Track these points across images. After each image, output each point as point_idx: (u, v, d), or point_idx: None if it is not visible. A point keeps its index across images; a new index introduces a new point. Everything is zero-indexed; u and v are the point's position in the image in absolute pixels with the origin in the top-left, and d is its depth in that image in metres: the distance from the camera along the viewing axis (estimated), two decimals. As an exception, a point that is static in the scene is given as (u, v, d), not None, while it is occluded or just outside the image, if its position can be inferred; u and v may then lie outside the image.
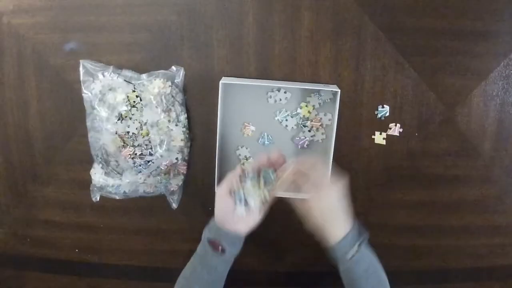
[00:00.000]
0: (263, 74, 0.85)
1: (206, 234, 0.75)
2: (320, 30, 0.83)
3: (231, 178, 0.72)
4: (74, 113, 0.89)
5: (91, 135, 0.85)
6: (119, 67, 0.84)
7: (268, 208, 0.74)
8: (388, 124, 0.86)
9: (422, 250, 0.92)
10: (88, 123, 0.85)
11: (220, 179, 0.85)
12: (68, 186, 0.92)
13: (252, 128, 0.86)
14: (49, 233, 0.95)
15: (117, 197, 0.87)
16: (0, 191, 0.94)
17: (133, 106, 0.83)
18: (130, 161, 0.85)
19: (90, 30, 0.84)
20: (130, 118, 0.84)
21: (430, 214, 0.90)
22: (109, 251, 0.95)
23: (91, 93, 0.83)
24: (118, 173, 0.86)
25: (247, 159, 0.88)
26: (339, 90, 0.79)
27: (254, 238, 0.92)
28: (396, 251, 0.93)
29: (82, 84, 0.83)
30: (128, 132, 0.84)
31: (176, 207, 0.89)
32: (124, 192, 0.87)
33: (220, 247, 0.73)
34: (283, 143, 0.87)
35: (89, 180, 0.89)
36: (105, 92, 0.83)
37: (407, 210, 0.90)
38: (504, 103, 0.85)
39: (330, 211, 0.70)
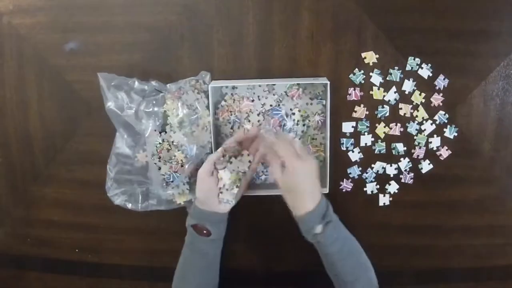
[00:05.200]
0: (263, 74, 0.85)
1: (189, 221, 0.78)
2: (320, 30, 0.83)
3: (213, 160, 0.76)
4: (74, 113, 0.89)
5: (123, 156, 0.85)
6: (143, 78, 0.83)
7: (246, 186, 0.80)
8: (389, 124, 0.86)
9: (422, 250, 0.92)
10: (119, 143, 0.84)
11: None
12: (68, 186, 0.92)
13: (248, 127, 0.86)
14: (49, 233, 0.95)
15: (133, 207, 0.86)
16: (0, 191, 0.94)
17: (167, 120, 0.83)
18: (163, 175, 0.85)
19: (90, 30, 0.84)
20: (174, 132, 0.83)
21: (430, 214, 0.90)
22: (109, 251, 0.95)
23: (125, 110, 0.81)
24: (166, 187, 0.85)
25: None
26: (329, 82, 0.79)
27: (254, 238, 0.93)
28: (396, 251, 0.93)
29: (105, 99, 0.81)
30: (173, 142, 0.84)
31: None
32: (146, 205, 0.86)
33: (204, 230, 0.74)
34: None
35: (88, 180, 0.89)
36: (140, 105, 0.82)
37: (407, 210, 0.90)
38: (504, 103, 0.85)
39: (298, 184, 0.71)
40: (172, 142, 0.84)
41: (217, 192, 0.77)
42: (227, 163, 0.78)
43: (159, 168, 0.85)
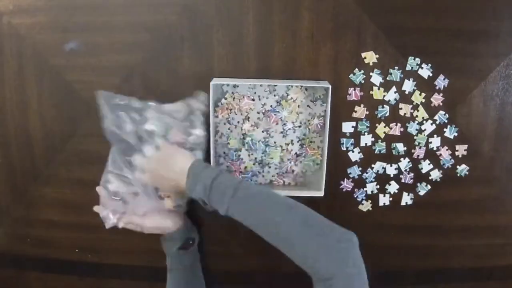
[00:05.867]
0: (263, 74, 0.85)
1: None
2: (320, 30, 0.83)
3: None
4: (74, 113, 0.89)
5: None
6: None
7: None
8: (389, 124, 0.86)
9: (422, 250, 0.92)
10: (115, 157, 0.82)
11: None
12: (68, 186, 0.92)
13: (246, 127, 0.86)
14: (49, 233, 0.95)
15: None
16: (0, 191, 0.94)
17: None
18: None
19: (90, 30, 0.84)
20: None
21: (431, 214, 0.90)
22: (109, 251, 0.95)
23: (124, 129, 0.79)
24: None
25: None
26: (330, 86, 0.79)
27: (254, 239, 0.92)
28: (396, 251, 0.93)
29: (104, 117, 0.79)
30: None
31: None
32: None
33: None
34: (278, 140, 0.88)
35: (88, 180, 0.89)
36: (139, 124, 0.80)
37: (407, 210, 0.90)
38: (504, 103, 0.85)
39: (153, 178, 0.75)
40: None
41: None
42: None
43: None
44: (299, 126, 0.86)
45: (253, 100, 0.85)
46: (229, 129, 0.87)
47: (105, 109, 0.79)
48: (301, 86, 0.84)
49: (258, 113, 0.86)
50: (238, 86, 0.85)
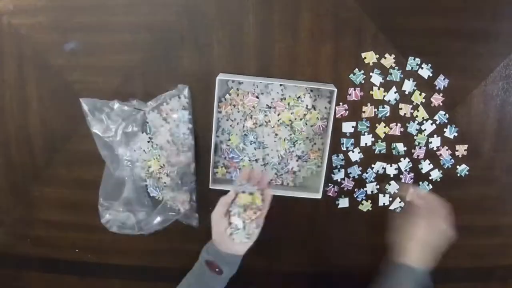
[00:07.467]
0: (263, 74, 0.85)
1: (204, 255, 0.76)
2: (320, 30, 0.83)
3: (226, 202, 0.72)
4: (74, 113, 0.89)
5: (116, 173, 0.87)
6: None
7: (261, 225, 0.74)
8: (389, 124, 0.86)
9: (422, 250, 0.92)
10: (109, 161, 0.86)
11: (214, 177, 0.87)
12: (68, 186, 0.92)
13: (248, 125, 0.86)
14: (49, 233, 0.95)
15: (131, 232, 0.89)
16: (0, 191, 0.94)
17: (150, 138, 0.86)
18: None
19: (90, 30, 0.84)
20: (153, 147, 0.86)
21: (430, 214, 0.90)
22: (109, 251, 0.95)
23: (106, 132, 0.84)
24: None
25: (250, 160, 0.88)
26: (336, 89, 0.79)
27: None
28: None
29: (90, 123, 0.84)
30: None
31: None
32: (140, 227, 0.89)
33: (217, 268, 0.73)
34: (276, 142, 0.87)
35: (88, 180, 0.89)
36: (120, 127, 0.84)
37: (407, 210, 0.90)
38: (504, 103, 0.85)
39: (434, 243, 0.74)
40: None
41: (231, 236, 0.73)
42: (239, 208, 0.72)
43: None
44: (306, 124, 0.86)
45: (257, 97, 0.85)
46: (231, 125, 0.87)
47: (89, 115, 0.83)
48: (306, 87, 0.84)
49: (259, 110, 0.86)
50: (242, 83, 0.85)
